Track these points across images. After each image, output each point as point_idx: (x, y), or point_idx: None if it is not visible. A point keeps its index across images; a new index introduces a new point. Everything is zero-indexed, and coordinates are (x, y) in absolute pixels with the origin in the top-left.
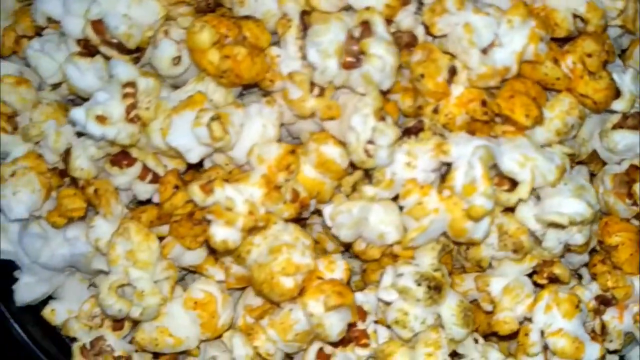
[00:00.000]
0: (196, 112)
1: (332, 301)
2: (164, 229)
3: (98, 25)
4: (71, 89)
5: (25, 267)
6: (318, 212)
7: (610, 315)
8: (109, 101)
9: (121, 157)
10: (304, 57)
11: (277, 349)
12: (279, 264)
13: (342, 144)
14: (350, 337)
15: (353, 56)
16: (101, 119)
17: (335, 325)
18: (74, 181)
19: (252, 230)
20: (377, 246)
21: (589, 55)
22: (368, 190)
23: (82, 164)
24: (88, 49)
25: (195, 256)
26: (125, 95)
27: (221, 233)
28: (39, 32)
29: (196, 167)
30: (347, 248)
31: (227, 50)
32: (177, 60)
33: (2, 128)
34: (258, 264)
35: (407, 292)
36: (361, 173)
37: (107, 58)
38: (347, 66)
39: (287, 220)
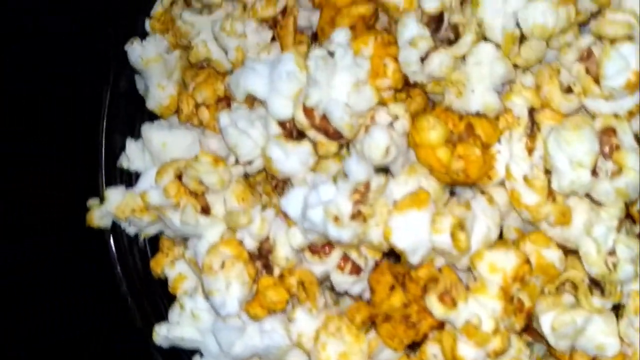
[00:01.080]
0: (429, 215)
1: None
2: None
3: (309, 110)
4: (272, 170)
5: (210, 357)
6: None
7: None
8: (338, 198)
9: (321, 245)
10: (529, 152)
11: None
12: None
13: (560, 246)
14: None
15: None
16: (335, 218)
17: None
18: (267, 266)
19: (500, 354)
20: (589, 355)
21: None
22: (596, 302)
23: (287, 253)
24: (288, 130)
25: (391, 355)
26: (355, 192)
27: (472, 354)
28: (221, 102)
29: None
30: None
31: (461, 149)
32: (387, 149)
33: (194, 207)
34: None
35: None
36: (578, 278)
37: (313, 142)
38: (594, 175)
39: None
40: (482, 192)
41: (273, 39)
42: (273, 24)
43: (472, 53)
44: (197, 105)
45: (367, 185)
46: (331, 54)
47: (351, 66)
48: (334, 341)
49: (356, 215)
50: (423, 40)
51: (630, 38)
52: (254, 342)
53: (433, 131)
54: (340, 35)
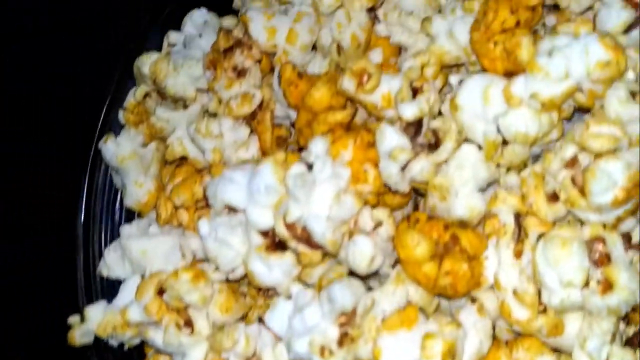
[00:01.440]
0: (419, 335)
1: None
2: None
3: (290, 224)
4: (254, 283)
5: None
6: None
7: None
8: (323, 324)
9: None
10: (518, 256)
11: None
12: None
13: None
14: None
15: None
16: (321, 351)
17: None
18: None
19: None
20: None
21: None
22: None
23: None
24: (270, 238)
25: None
26: (341, 315)
27: None
28: (200, 202)
29: None
30: None
31: (447, 265)
32: (373, 258)
33: (176, 324)
34: None
35: None
36: None
37: (295, 252)
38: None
39: None
40: (472, 300)
41: (251, 131)
42: (250, 117)
43: (453, 157)
44: (175, 208)
45: (354, 310)
46: (309, 166)
47: (331, 177)
48: None
49: (343, 338)
50: (403, 152)
51: (616, 151)
52: None
53: (418, 248)
54: (318, 146)
